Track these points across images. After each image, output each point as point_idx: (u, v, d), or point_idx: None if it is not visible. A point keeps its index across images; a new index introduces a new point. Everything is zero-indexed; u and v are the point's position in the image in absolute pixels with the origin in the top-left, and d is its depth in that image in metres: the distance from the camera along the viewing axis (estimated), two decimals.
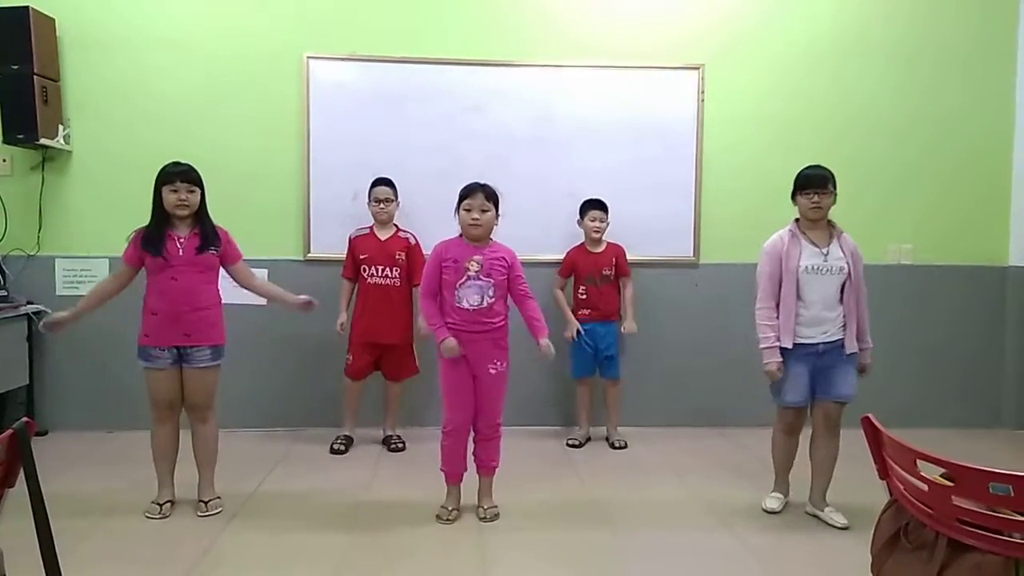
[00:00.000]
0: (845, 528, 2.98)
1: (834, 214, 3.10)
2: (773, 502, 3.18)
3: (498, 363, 3.01)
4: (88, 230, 4.24)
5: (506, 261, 3.00)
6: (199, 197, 3.02)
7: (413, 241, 4.03)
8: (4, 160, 4.21)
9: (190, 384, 3.02)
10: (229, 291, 3.19)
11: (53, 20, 4.12)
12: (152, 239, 2.96)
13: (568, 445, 4.15)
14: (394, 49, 4.33)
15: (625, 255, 4.21)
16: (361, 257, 3.97)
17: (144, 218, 3.02)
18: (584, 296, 4.15)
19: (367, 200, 4.02)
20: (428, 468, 3.24)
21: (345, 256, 4.05)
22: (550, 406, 4.50)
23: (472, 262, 2.94)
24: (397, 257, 3.96)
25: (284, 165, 4.33)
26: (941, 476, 1.48)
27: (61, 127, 4.14)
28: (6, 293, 4.07)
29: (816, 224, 3.05)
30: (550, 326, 4.16)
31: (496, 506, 3.09)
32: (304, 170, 4.33)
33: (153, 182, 2.99)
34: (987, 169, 4.66)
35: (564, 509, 3.21)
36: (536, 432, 4.34)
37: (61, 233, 4.27)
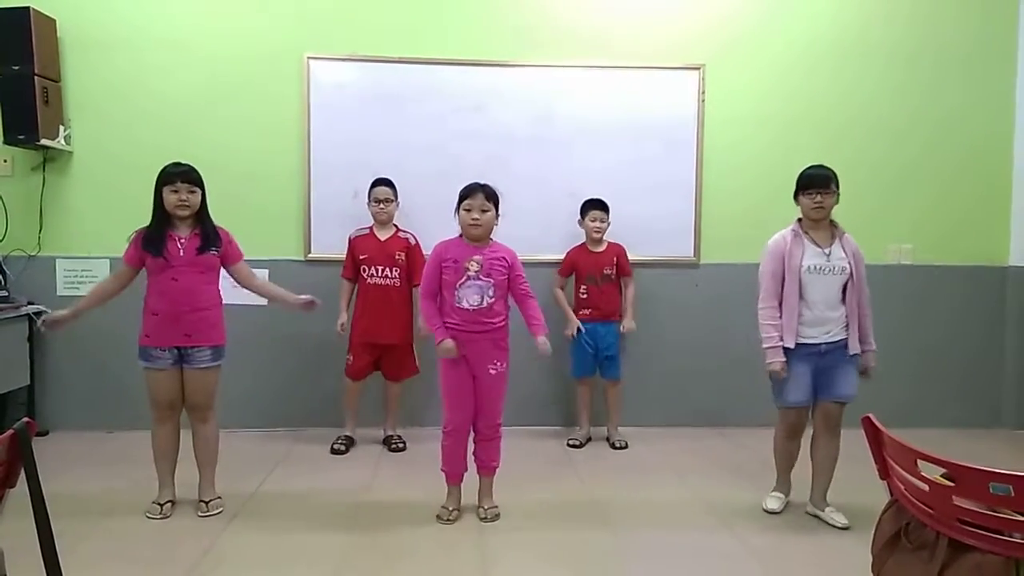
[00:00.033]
0: (846, 528, 2.98)
1: (834, 214, 3.10)
2: (774, 502, 3.18)
3: (498, 363, 3.01)
4: (89, 230, 4.25)
5: (506, 261, 3.00)
6: (200, 197, 3.02)
7: (413, 241, 4.03)
8: (5, 161, 4.21)
9: (191, 384, 3.03)
10: (229, 291, 3.19)
11: (54, 21, 4.12)
12: (153, 239, 2.96)
13: (568, 445, 4.15)
14: (394, 49, 4.33)
15: (626, 255, 4.21)
16: (361, 257, 3.97)
17: (145, 218, 3.02)
18: (585, 296, 4.15)
19: (367, 200, 4.02)
20: (428, 468, 3.25)
21: (345, 256, 4.05)
22: (550, 406, 4.51)
23: (472, 262, 2.94)
24: (397, 257, 3.96)
25: (285, 165, 4.33)
26: (941, 476, 1.48)
27: (62, 128, 4.15)
28: (7, 293, 4.07)
29: (818, 224, 3.05)
30: (550, 325, 4.20)
31: (496, 506, 3.09)
32: (305, 170, 4.33)
33: (154, 182, 3.00)
34: (987, 169, 4.66)
35: (564, 509, 3.21)
36: (536, 432, 4.34)
37: (62, 233, 4.27)
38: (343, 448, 3.96)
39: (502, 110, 4.40)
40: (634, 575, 2.66)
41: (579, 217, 4.20)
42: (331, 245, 4.23)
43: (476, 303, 2.94)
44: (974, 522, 1.41)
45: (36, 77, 3.95)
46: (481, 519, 3.05)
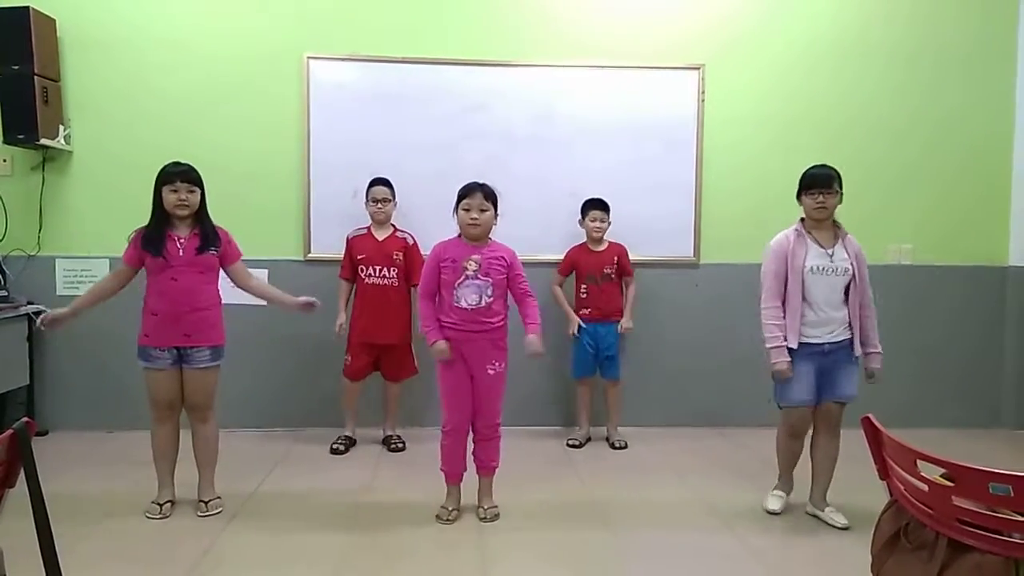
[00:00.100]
0: (845, 528, 2.98)
1: (835, 214, 3.10)
2: (775, 502, 3.17)
3: (496, 364, 3.00)
4: (88, 230, 4.25)
5: (505, 260, 3.00)
6: (199, 197, 3.02)
7: (411, 241, 4.03)
8: (5, 160, 4.21)
9: (190, 384, 3.03)
10: (229, 291, 3.19)
11: (54, 20, 4.12)
12: (152, 239, 2.96)
13: (568, 445, 4.15)
14: (394, 49, 4.33)
15: (627, 254, 4.21)
16: (359, 257, 3.97)
17: (144, 218, 3.02)
18: (585, 295, 4.15)
19: (364, 200, 4.02)
20: (428, 468, 3.24)
21: (343, 257, 4.05)
22: (550, 406, 4.51)
23: (470, 262, 2.94)
24: (395, 257, 3.96)
25: (284, 165, 4.33)
26: (941, 476, 1.48)
27: (61, 127, 4.15)
28: (6, 293, 4.07)
29: (821, 224, 3.05)
30: (550, 324, 4.21)
31: (496, 506, 3.09)
32: (304, 170, 4.33)
33: (153, 182, 3.00)
34: (987, 169, 4.66)
35: (564, 509, 3.21)
36: (536, 432, 4.34)
37: (61, 233, 4.27)
38: (342, 448, 3.96)
39: (502, 110, 4.40)
40: (634, 575, 2.66)
41: (579, 217, 4.20)
42: (331, 245, 4.23)
43: (475, 303, 2.94)
44: (974, 522, 1.41)
45: (36, 77, 3.95)
46: (481, 519, 3.05)
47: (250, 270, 3.23)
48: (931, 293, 4.63)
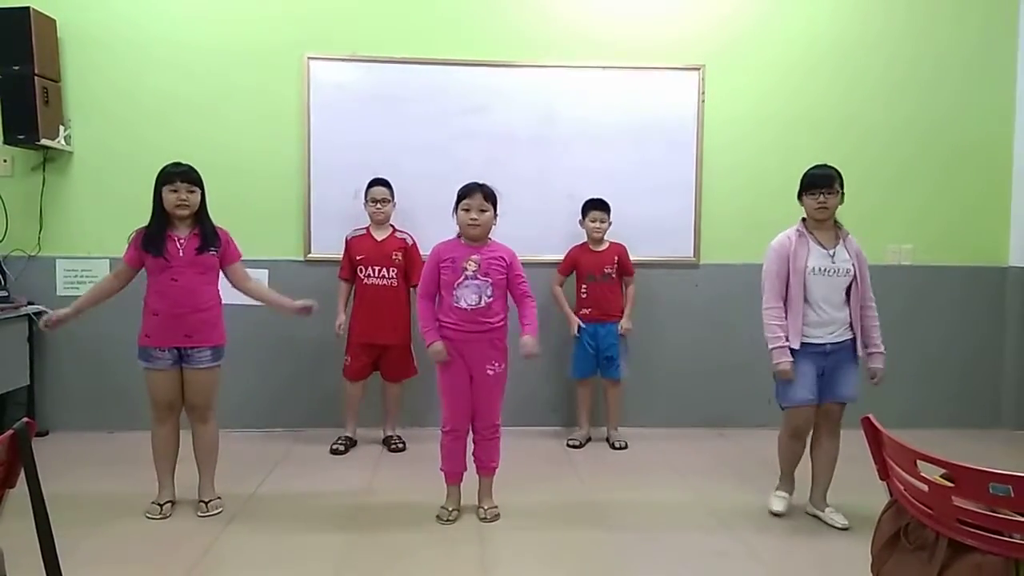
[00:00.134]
0: (845, 529, 2.98)
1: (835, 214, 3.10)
2: (779, 503, 3.14)
3: (496, 364, 3.00)
4: (89, 231, 4.25)
5: (505, 261, 3.00)
6: (199, 197, 3.02)
7: (410, 242, 4.03)
8: (5, 161, 4.21)
9: (191, 385, 3.03)
10: (229, 292, 3.18)
11: (54, 21, 4.12)
12: (152, 239, 2.96)
13: (568, 446, 4.15)
14: (395, 49, 4.33)
15: (628, 254, 4.21)
16: (358, 258, 3.97)
17: (145, 218, 3.02)
18: (585, 295, 4.15)
19: (363, 201, 4.02)
20: (428, 468, 3.24)
21: (342, 257, 4.05)
22: (550, 407, 4.51)
23: (470, 262, 2.95)
24: (394, 258, 3.96)
25: (285, 165, 4.33)
26: (941, 477, 1.48)
27: (62, 128, 4.15)
28: (7, 294, 4.07)
29: (822, 224, 3.04)
30: (551, 324, 4.22)
31: (496, 506, 3.09)
32: (304, 170, 4.33)
33: (153, 183, 3.00)
34: (987, 169, 4.66)
35: (564, 509, 3.21)
36: (536, 432, 4.34)
37: (62, 234, 4.27)
38: (343, 448, 3.96)
39: (502, 110, 4.39)
40: (634, 575, 2.66)
41: (580, 217, 4.20)
42: (331, 245, 4.23)
43: (474, 303, 2.94)
44: (974, 523, 1.41)
45: (36, 77, 3.95)
46: (481, 519, 3.05)
47: (249, 272, 3.23)
48: (931, 293, 4.63)
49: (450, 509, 3.05)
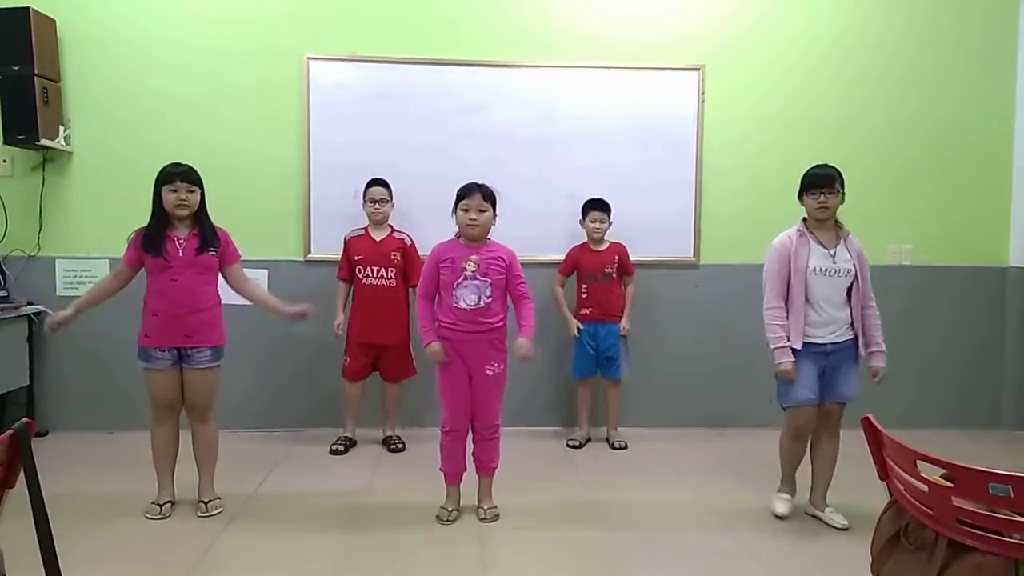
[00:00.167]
0: (845, 529, 2.98)
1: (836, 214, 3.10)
2: (783, 506, 3.12)
3: (495, 364, 3.00)
4: (88, 231, 4.25)
5: (504, 261, 3.00)
6: (199, 197, 3.02)
7: (408, 242, 4.03)
8: (5, 161, 4.21)
9: (190, 385, 3.03)
10: (229, 292, 3.18)
11: (54, 21, 4.12)
12: (152, 240, 2.96)
13: (568, 446, 4.15)
14: (395, 50, 4.33)
15: (628, 254, 4.21)
16: (356, 258, 3.96)
17: (145, 219, 3.02)
18: (586, 295, 4.15)
19: (362, 201, 4.02)
20: (428, 469, 3.24)
21: (340, 257, 4.05)
22: (550, 407, 4.50)
23: (469, 262, 2.95)
24: (392, 258, 3.96)
25: (285, 165, 4.33)
26: (941, 477, 1.48)
27: (62, 128, 4.15)
28: (6, 294, 4.07)
29: (823, 224, 3.04)
30: (551, 325, 4.22)
31: (496, 507, 3.09)
32: (304, 170, 4.33)
33: (153, 183, 3.00)
34: (987, 169, 4.66)
35: (564, 509, 3.21)
36: (536, 433, 4.34)
37: (61, 234, 4.27)
38: (342, 449, 3.96)
39: (503, 110, 4.39)
40: (634, 575, 2.66)
41: (580, 217, 4.20)
42: (331, 245, 4.22)
43: (473, 303, 2.94)
44: (974, 523, 1.41)
45: (36, 77, 3.95)
46: (481, 520, 3.05)
47: (248, 272, 3.23)
48: (931, 293, 4.63)
49: (450, 509, 3.05)
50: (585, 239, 4.21)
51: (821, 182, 3.00)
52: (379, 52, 4.33)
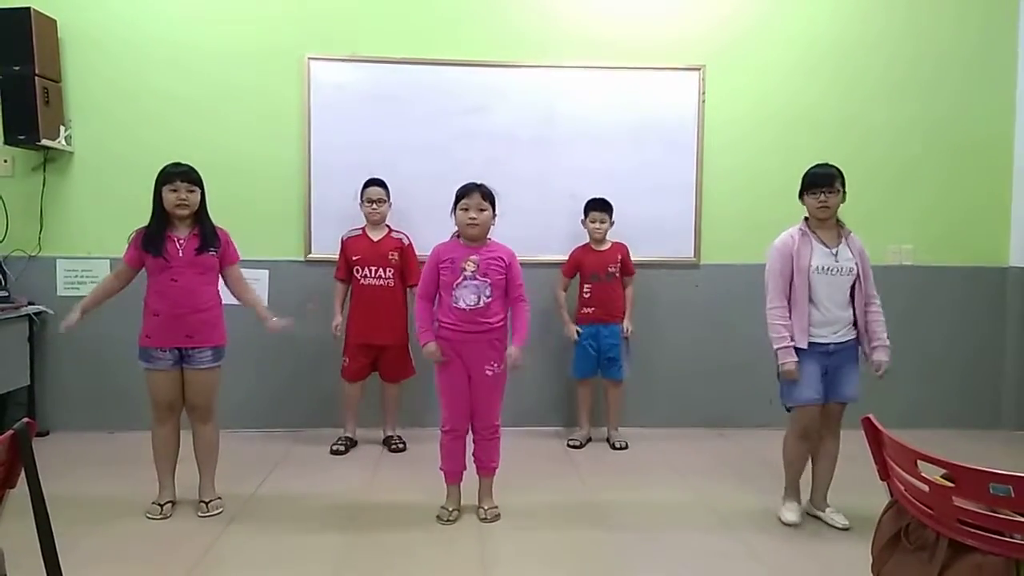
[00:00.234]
0: (846, 529, 2.98)
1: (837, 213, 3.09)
2: (793, 515, 3.07)
3: (495, 364, 3.00)
4: (89, 231, 4.25)
5: (504, 261, 2.99)
6: (199, 197, 3.02)
7: (406, 242, 4.03)
8: (5, 161, 4.21)
9: (191, 386, 3.03)
10: (228, 292, 3.18)
11: (55, 21, 4.12)
12: (152, 240, 2.96)
13: (569, 446, 4.15)
14: (395, 50, 4.33)
15: (629, 253, 4.21)
16: (354, 258, 3.96)
17: (145, 219, 3.02)
18: (589, 295, 4.15)
19: (359, 201, 4.02)
20: (429, 469, 3.24)
21: (338, 257, 4.04)
22: (551, 407, 4.50)
23: (469, 262, 2.95)
24: (390, 258, 3.96)
25: (285, 166, 4.33)
26: (942, 477, 1.48)
27: (62, 128, 4.15)
28: (7, 294, 4.07)
29: (824, 223, 3.04)
30: (552, 325, 4.22)
31: (496, 507, 3.09)
32: (305, 171, 4.33)
33: (154, 183, 3.00)
34: (987, 169, 4.66)
35: (565, 509, 3.21)
36: (537, 433, 4.34)
37: (62, 234, 4.27)
38: (343, 449, 3.96)
39: (503, 111, 4.39)
40: (634, 575, 2.66)
41: (582, 217, 4.20)
42: (331, 246, 4.21)
43: (472, 303, 2.94)
44: (974, 523, 1.41)
45: (37, 77, 3.95)
46: (481, 519, 3.05)
47: (248, 273, 3.23)
48: (931, 293, 4.63)
49: (450, 509, 3.05)
50: (586, 239, 4.21)
51: (822, 181, 3.00)
52: (379, 52, 4.33)
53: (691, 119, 4.48)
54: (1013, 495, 1.34)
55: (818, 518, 3.09)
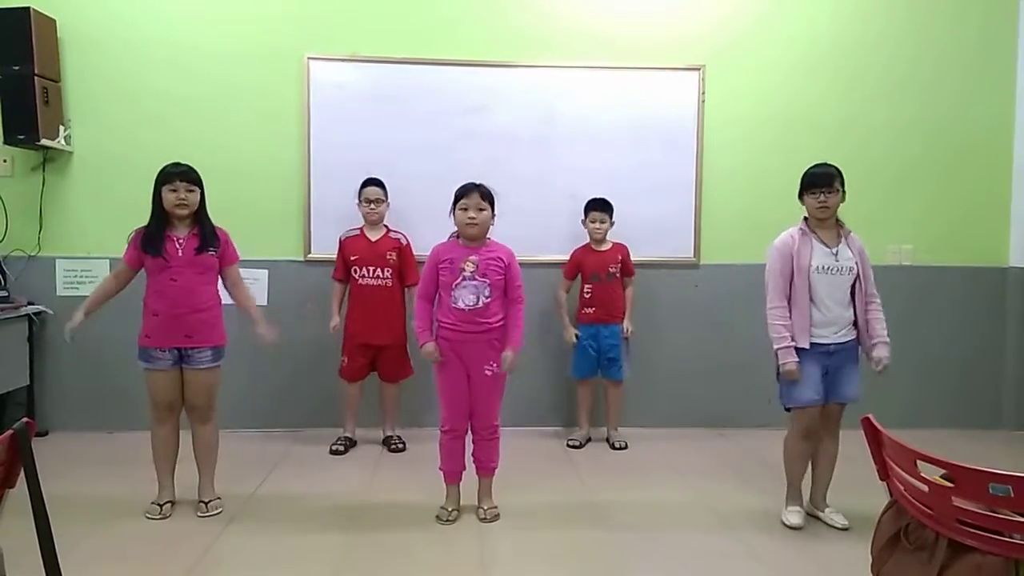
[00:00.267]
0: (846, 529, 2.98)
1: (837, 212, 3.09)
2: (796, 517, 3.06)
3: (494, 364, 2.99)
4: (89, 231, 4.25)
5: (503, 261, 2.99)
6: (198, 197, 3.02)
7: (404, 241, 4.02)
8: (5, 161, 4.21)
9: (191, 386, 3.03)
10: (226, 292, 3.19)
11: (54, 21, 4.12)
12: (151, 239, 2.96)
13: (568, 446, 4.15)
14: (395, 50, 4.33)
15: (629, 254, 4.21)
16: (352, 258, 3.96)
17: (145, 219, 3.02)
18: (589, 295, 4.14)
19: (357, 201, 4.02)
20: (428, 468, 3.24)
21: (335, 258, 4.04)
22: (551, 407, 4.50)
23: (468, 262, 2.94)
24: (388, 257, 3.95)
25: (285, 166, 4.33)
26: (941, 477, 1.48)
27: (62, 128, 4.15)
28: (7, 294, 4.07)
29: (824, 223, 3.04)
30: (552, 326, 4.22)
31: (496, 507, 3.09)
32: (305, 170, 4.33)
33: (153, 183, 3.00)
34: (987, 169, 4.66)
35: (564, 509, 3.21)
36: (536, 433, 4.34)
37: (62, 234, 4.27)
38: (342, 449, 3.96)
39: (503, 110, 4.39)
40: (634, 575, 2.65)
41: (582, 217, 4.20)
42: (331, 246, 4.20)
43: (472, 303, 2.93)
44: (974, 523, 1.41)
45: (36, 77, 3.95)
46: (481, 520, 3.04)
47: (248, 272, 3.22)
48: (931, 293, 4.63)
49: (450, 509, 3.05)
50: (586, 240, 4.20)
51: (821, 181, 3.00)
52: (379, 52, 4.33)
53: (691, 119, 4.48)
54: (1012, 495, 1.34)
55: (818, 518, 3.09)
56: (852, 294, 3.02)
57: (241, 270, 3.21)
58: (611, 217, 4.14)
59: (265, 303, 4.17)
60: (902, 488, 1.61)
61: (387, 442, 4.08)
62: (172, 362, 2.99)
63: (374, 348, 3.98)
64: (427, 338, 2.97)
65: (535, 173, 4.40)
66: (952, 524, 1.44)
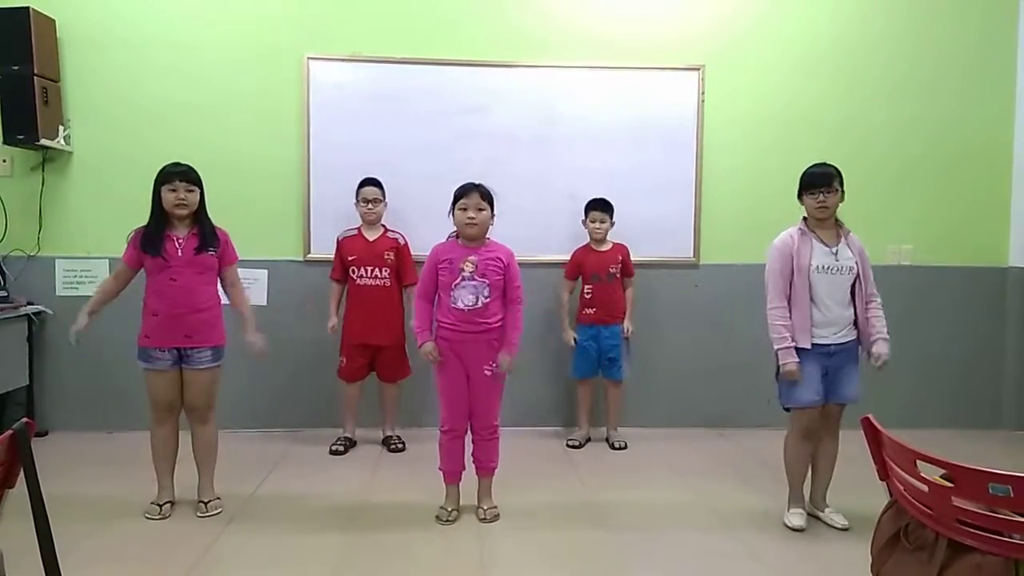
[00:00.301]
0: (845, 529, 2.98)
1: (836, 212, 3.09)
2: (798, 519, 3.05)
3: (493, 365, 2.99)
4: (88, 231, 4.24)
5: (502, 261, 2.99)
6: (198, 197, 3.02)
7: (402, 241, 4.02)
8: (4, 161, 4.21)
9: (190, 386, 3.02)
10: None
11: (53, 21, 4.12)
12: (151, 239, 2.96)
13: (568, 446, 4.15)
14: (395, 50, 4.33)
15: (629, 255, 4.21)
16: (349, 258, 3.96)
17: (144, 219, 3.02)
18: (590, 295, 4.14)
19: (355, 200, 4.01)
20: (428, 468, 3.24)
21: (333, 257, 4.04)
22: (550, 407, 4.50)
23: (467, 262, 2.94)
24: (386, 257, 3.95)
25: (284, 166, 4.33)
26: (941, 477, 1.48)
27: (61, 128, 4.14)
28: (6, 294, 4.07)
29: (824, 223, 3.04)
30: (552, 326, 4.22)
31: (496, 507, 3.09)
32: (304, 170, 4.33)
33: (153, 182, 3.00)
34: (987, 169, 4.66)
35: (564, 509, 3.21)
36: (536, 433, 4.34)
37: (61, 234, 4.27)
38: (342, 449, 3.96)
39: (503, 111, 4.39)
40: (634, 575, 2.65)
41: (582, 217, 4.20)
42: (330, 245, 4.20)
43: (471, 303, 2.93)
44: (973, 523, 1.41)
45: (36, 77, 3.95)
46: (480, 520, 3.04)
47: (247, 272, 3.22)
48: (931, 293, 4.63)
49: (449, 509, 3.05)
50: (586, 240, 4.20)
51: (820, 181, 3.00)
52: (379, 52, 4.33)
53: (691, 119, 4.48)
54: (1012, 495, 1.33)
55: (818, 518, 3.09)
56: (852, 294, 3.02)
57: (240, 270, 3.22)
58: (611, 217, 4.14)
59: (264, 303, 4.17)
60: (902, 488, 1.61)
61: (387, 442, 4.07)
62: (172, 362, 2.99)
63: (372, 348, 3.98)
64: (426, 338, 2.98)
65: (535, 173, 4.40)
66: (952, 524, 1.44)
